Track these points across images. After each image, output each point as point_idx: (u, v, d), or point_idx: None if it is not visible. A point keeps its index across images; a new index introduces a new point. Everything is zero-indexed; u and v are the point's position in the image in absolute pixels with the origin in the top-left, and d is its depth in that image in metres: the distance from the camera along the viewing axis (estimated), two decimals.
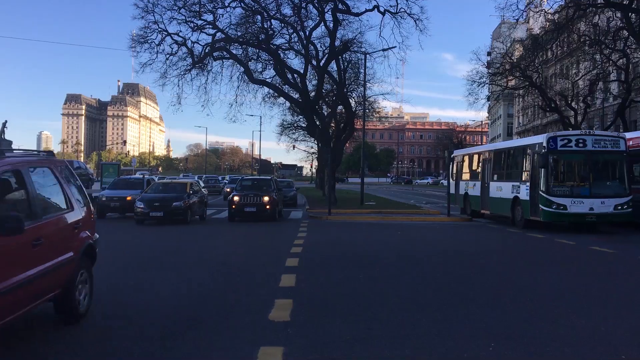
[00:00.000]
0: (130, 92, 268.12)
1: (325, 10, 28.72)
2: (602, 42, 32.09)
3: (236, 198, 20.76)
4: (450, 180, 26.04)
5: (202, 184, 32.14)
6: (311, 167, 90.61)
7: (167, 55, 28.14)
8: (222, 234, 17.25)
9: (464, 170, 25.20)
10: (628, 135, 18.66)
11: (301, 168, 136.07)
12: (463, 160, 25.70)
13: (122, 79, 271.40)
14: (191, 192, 20.75)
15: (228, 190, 34.00)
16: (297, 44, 30.53)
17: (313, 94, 32.70)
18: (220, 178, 57.97)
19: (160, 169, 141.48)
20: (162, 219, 19.01)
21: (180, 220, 19.14)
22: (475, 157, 24.25)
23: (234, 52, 29.52)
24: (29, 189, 5.37)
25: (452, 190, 25.17)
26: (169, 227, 18.04)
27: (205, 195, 22.82)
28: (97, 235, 6.96)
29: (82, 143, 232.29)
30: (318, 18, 29.16)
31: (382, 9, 28.26)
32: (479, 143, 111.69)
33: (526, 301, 7.36)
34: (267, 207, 20.49)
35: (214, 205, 29.18)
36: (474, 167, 24.15)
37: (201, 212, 21.43)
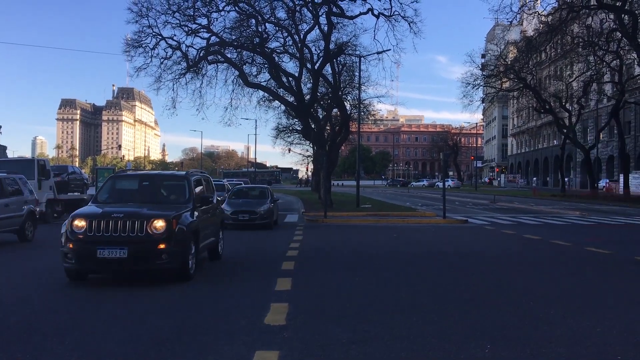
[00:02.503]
0: (125, 96, 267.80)
1: (320, 13, 28.78)
2: (595, 43, 32.28)
3: (81, 224, 8.71)
4: None
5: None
6: (307, 170, 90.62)
7: (162, 59, 28.11)
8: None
9: None
10: None
11: (297, 171, 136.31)
12: None
13: (117, 84, 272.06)
14: None
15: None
16: (292, 47, 30.58)
17: (308, 97, 32.74)
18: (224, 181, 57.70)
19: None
20: None
21: None
22: None
23: (228, 55, 29.52)
24: None
25: None
26: None
27: (29, 210, 10.73)
28: None
29: (77, 148, 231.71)
30: (312, 21, 29.23)
31: (376, 12, 28.31)
32: (474, 145, 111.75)
33: (522, 302, 7.37)
34: (161, 246, 8.64)
35: None
36: None
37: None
